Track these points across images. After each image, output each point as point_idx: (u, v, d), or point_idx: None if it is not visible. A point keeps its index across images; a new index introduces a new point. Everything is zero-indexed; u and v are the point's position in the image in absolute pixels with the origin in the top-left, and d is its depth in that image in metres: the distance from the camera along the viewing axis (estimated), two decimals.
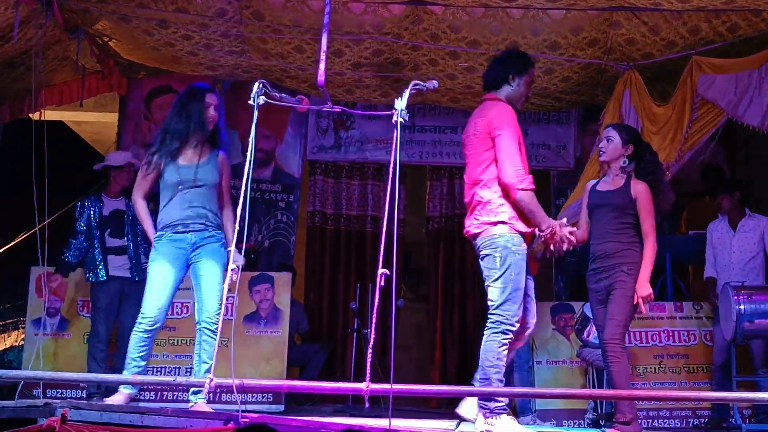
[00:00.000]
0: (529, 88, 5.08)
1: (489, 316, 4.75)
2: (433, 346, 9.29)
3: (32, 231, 6.67)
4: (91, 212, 6.71)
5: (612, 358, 5.10)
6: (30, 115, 7.55)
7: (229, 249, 4.74)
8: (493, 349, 4.69)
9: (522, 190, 4.72)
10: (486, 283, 4.80)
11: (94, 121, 10.06)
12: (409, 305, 9.88)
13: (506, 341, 4.68)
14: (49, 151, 6.31)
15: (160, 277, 5.15)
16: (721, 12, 6.47)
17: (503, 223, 4.77)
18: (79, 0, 6.63)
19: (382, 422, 4.44)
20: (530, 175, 4.82)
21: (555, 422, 6.70)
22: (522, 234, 4.78)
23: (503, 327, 4.68)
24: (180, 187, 5.24)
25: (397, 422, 4.79)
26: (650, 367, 6.91)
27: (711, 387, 6.66)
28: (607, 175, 5.48)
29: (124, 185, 6.78)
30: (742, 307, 5.90)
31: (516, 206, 4.77)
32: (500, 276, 4.70)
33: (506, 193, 4.78)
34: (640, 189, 5.25)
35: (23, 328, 7.98)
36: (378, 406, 5.57)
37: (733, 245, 6.71)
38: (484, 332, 4.75)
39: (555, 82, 7.70)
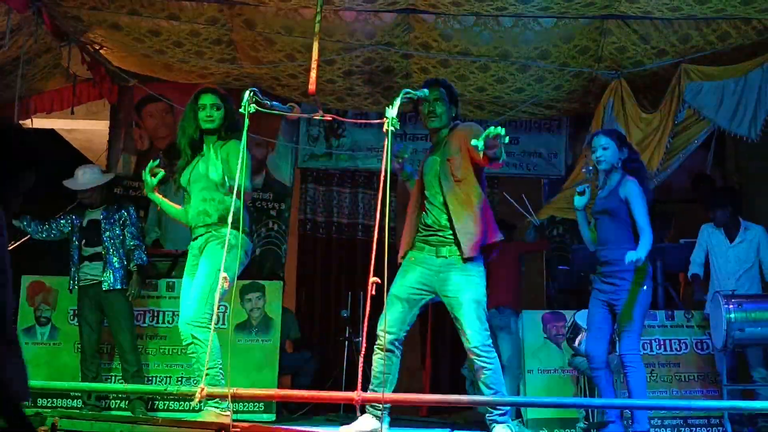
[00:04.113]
0: (422, 112, 5.10)
1: None
2: (423, 353, 9.27)
3: (23, 240, 6.66)
4: (74, 221, 6.69)
5: (630, 368, 5.18)
6: (21, 122, 7.53)
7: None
8: None
9: None
10: None
11: (85, 128, 10.03)
12: None
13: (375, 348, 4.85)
14: (39, 159, 6.27)
15: (185, 293, 5.10)
16: (711, 20, 6.51)
17: None
18: (70, 7, 6.62)
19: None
20: None
21: (546, 431, 6.69)
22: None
23: None
24: (186, 190, 5.24)
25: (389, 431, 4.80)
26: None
27: (702, 395, 6.67)
28: (600, 181, 5.50)
29: (93, 203, 6.72)
30: (732, 315, 5.90)
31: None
32: None
33: None
34: (628, 187, 5.26)
35: None
36: None
37: (729, 255, 6.71)
38: None
39: (546, 90, 7.71)
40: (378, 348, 4.82)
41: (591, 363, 5.42)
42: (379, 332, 4.82)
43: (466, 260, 4.83)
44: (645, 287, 5.22)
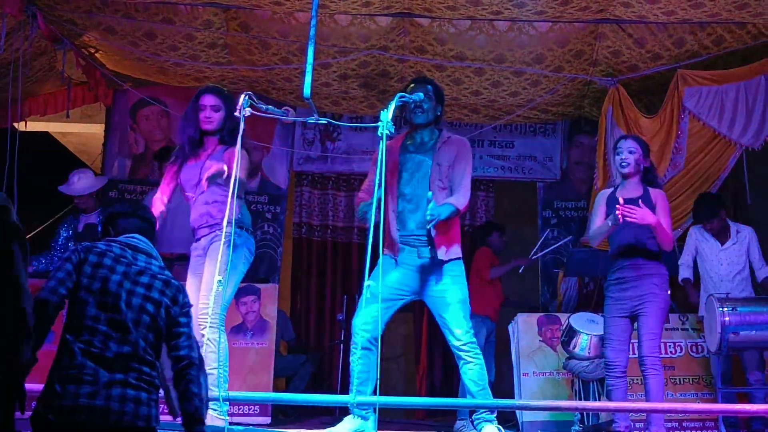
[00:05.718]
0: (408, 107, 5.08)
1: None
2: (418, 356, 9.28)
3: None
4: (68, 232, 6.67)
5: (652, 371, 5.25)
6: (15, 124, 7.54)
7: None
8: None
9: None
10: None
11: (80, 132, 10.01)
12: (396, 316, 9.83)
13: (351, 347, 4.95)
14: (35, 161, 6.28)
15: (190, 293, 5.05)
16: (705, 24, 6.52)
17: None
18: (65, 11, 6.62)
19: None
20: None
21: None
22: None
23: None
24: (188, 190, 5.21)
25: None
26: (636, 379, 6.87)
27: (697, 398, 6.68)
28: (621, 186, 5.50)
29: (87, 207, 6.69)
30: (727, 318, 5.90)
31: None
32: None
33: None
34: (658, 195, 5.37)
35: None
36: None
37: (721, 258, 6.72)
38: None
39: (541, 94, 7.72)
40: (355, 348, 4.88)
41: (612, 371, 5.42)
42: (356, 330, 4.87)
43: (449, 260, 4.90)
44: (668, 291, 5.36)
